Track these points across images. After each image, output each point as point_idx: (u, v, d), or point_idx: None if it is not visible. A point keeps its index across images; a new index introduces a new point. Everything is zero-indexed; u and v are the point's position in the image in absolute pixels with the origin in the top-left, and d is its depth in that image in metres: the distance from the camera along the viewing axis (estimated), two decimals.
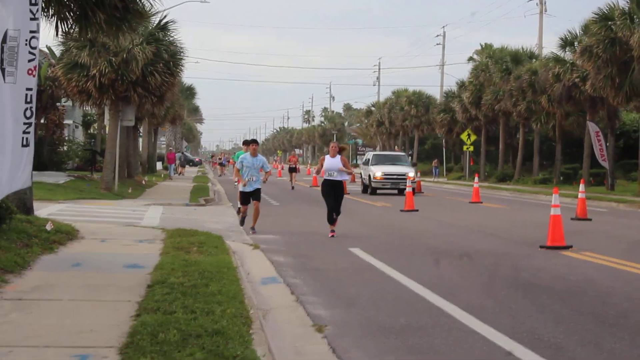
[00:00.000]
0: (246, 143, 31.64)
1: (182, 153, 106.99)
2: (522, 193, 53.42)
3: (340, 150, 23.41)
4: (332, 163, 22.74)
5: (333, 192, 22.75)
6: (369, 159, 51.04)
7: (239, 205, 29.88)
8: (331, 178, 22.72)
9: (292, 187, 55.25)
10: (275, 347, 9.48)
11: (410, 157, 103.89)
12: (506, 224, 28.24)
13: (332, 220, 22.59)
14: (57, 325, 9.66)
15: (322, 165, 22.97)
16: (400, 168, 48.92)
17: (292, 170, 58.18)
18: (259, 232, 22.88)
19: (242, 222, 24.42)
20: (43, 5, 17.82)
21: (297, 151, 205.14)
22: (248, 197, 23.71)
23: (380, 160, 50.41)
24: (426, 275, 15.40)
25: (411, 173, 46.89)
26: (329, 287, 14.00)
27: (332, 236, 22.00)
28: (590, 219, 29.33)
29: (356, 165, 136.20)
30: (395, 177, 48.01)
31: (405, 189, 43.28)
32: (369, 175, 48.69)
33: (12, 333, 9.24)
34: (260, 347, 9.03)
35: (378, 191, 48.39)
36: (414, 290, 13.56)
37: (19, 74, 12.85)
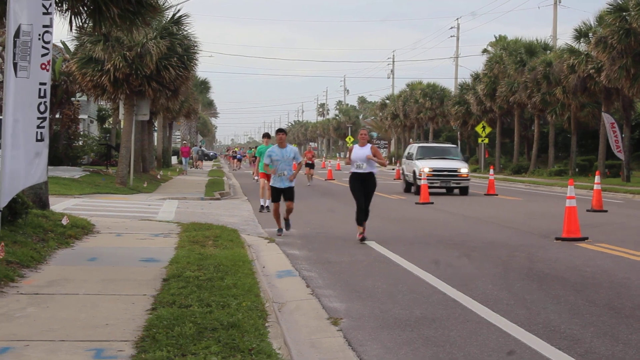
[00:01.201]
0: (266, 136, 30.83)
1: (200, 147, 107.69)
2: (538, 185, 53.31)
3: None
4: (359, 153, 19.70)
5: (362, 187, 19.70)
6: (412, 153, 43.37)
7: (262, 203, 28.82)
8: (359, 171, 19.68)
9: (309, 184, 49.54)
10: (291, 340, 9.49)
11: None
12: (521, 216, 28.19)
13: (361, 221, 19.60)
14: (73, 319, 9.69)
15: (350, 157, 19.96)
16: (451, 163, 41.65)
17: (309, 166, 52.03)
18: (274, 225, 22.83)
19: (285, 226, 21.05)
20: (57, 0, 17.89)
21: (312, 144, 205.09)
22: (279, 194, 20.70)
23: (426, 154, 42.78)
24: (441, 267, 15.39)
25: (464, 169, 41.15)
26: (344, 279, 14.01)
27: (362, 239, 19.34)
28: (606, 211, 29.26)
29: None
30: (445, 173, 40.69)
31: (456, 187, 40.82)
32: (414, 172, 40.93)
33: (28, 327, 9.28)
34: (275, 340, 9.04)
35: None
36: (429, 282, 13.56)
37: (32, 69, 12.89)
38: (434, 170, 40.43)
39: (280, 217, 20.98)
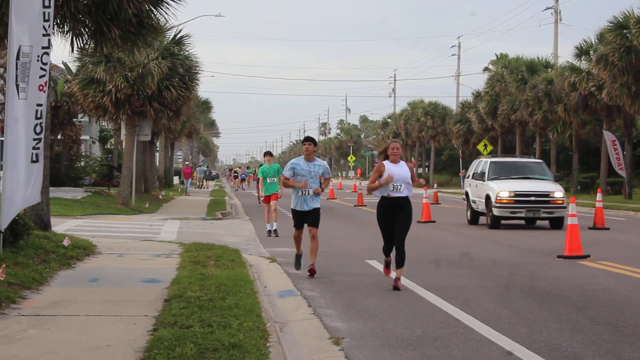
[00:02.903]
0: (269, 154, 28.49)
1: (207, 167, 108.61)
2: None
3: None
4: (399, 172, 15.07)
5: (397, 215, 15.11)
6: (482, 171, 32.60)
7: (268, 228, 26.51)
8: (397, 194, 15.05)
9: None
10: None
11: (427, 168, 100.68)
12: (523, 234, 28.16)
13: (389, 253, 15.50)
14: (74, 341, 9.68)
15: (380, 175, 15.10)
16: (539, 184, 30.91)
17: None
18: (276, 245, 22.81)
19: (297, 263, 17.31)
20: (58, 21, 17.99)
21: None
22: (303, 219, 16.94)
23: (503, 172, 32.00)
24: (443, 285, 15.36)
25: (559, 192, 30.21)
26: (345, 299, 13.99)
27: (396, 287, 14.81)
28: (608, 228, 29.24)
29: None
30: (533, 199, 30.07)
31: (548, 218, 30.49)
32: (487, 197, 30.62)
33: (29, 349, 9.27)
34: None
35: (503, 222, 30.82)
36: (431, 301, 13.54)
37: (30, 90, 12.93)
38: (518, 195, 29.87)
39: (301, 244, 17.38)
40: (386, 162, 15.19)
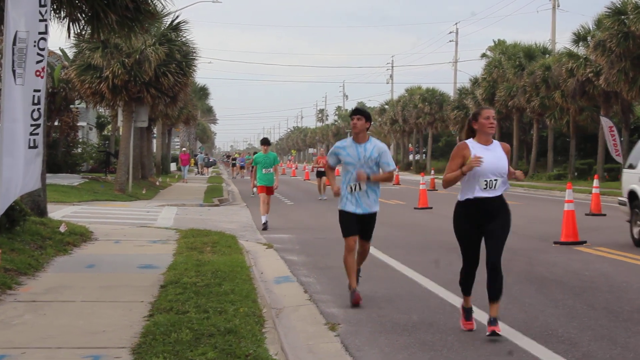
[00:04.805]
0: (266, 142, 25.41)
1: (206, 154, 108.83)
2: (537, 189, 53.27)
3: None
4: (491, 158, 10.02)
5: (490, 222, 10.20)
6: None
7: (263, 220, 23.98)
8: (489, 194, 10.06)
9: (322, 198, 39.24)
10: (288, 346, 9.49)
11: (424, 155, 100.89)
12: (520, 220, 28.11)
13: (469, 289, 10.60)
14: (70, 326, 9.69)
15: (463, 162, 10.09)
16: None
17: (322, 174, 38.78)
18: (273, 232, 22.79)
19: (353, 296, 12.02)
20: (55, 7, 17.93)
21: (311, 150, 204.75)
22: (356, 223, 12.14)
23: None
24: (439, 272, 15.38)
25: None
26: (342, 285, 13.95)
27: (494, 333, 9.82)
28: (604, 214, 29.24)
29: None
30: None
31: None
32: None
33: (25, 334, 9.28)
34: (272, 346, 9.03)
35: None
36: (427, 287, 13.56)
37: (27, 76, 12.89)
38: None
39: (354, 267, 12.32)
40: (470, 142, 10.23)
